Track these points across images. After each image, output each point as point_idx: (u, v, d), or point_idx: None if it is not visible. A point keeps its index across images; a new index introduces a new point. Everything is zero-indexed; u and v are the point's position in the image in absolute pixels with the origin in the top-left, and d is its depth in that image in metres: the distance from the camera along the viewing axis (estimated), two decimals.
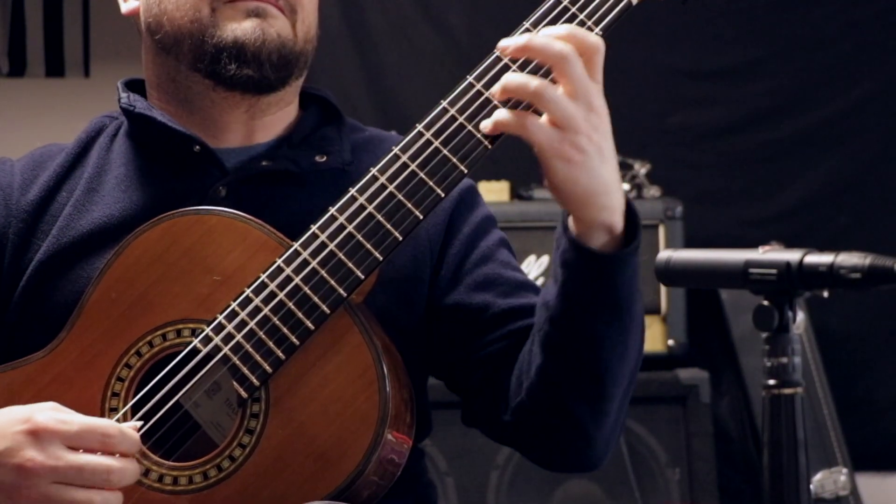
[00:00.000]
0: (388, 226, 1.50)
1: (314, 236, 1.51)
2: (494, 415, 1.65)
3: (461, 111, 1.50)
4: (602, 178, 1.48)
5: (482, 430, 1.70)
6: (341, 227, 1.51)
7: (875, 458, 3.91)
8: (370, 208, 1.51)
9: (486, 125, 1.49)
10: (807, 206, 4.03)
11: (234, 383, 1.50)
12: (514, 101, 1.48)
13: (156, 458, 1.52)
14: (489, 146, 1.50)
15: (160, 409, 1.52)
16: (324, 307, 1.50)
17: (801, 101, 4.04)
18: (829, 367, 3.74)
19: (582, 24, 1.51)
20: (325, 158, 1.72)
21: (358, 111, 3.92)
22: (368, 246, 1.51)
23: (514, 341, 1.64)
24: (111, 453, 1.43)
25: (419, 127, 1.51)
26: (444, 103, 1.51)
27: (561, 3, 1.52)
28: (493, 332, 1.66)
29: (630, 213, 1.53)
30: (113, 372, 1.54)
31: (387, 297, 1.62)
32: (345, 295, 1.50)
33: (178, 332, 1.53)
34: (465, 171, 1.50)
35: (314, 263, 1.51)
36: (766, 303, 1.27)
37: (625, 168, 3.67)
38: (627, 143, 3.87)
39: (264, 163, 1.69)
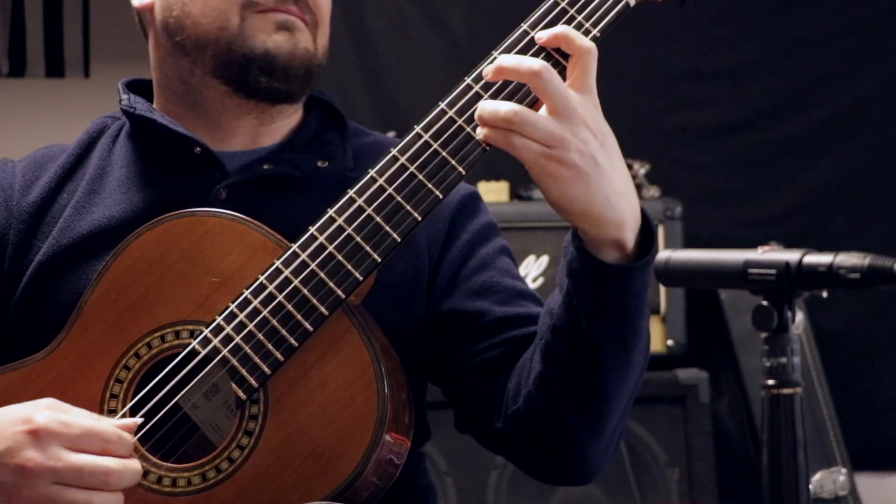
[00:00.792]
0: (387, 227, 1.50)
1: (313, 238, 1.51)
2: (487, 422, 1.64)
3: (459, 113, 1.50)
4: (601, 192, 1.44)
5: (474, 436, 1.70)
6: (340, 229, 1.51)
7: (874, 457, 3.91)
8: (369, 210, 1.51)
9: (479, 133, 1.47)
10: (806, 207, 4.03)
11: (233, 385, 1.50)
12: None
13: (154, 459, 1.52)
14: (487, 148, 1.49)
15: (159, 411, 1.52)
16: (322, 308, 1.50)
17: (800, 101, 4.04)
18: (829, 366, 3.74)
19: (580, 25, 1.50)
20: (326, 163, 1.71)
21: (357, 112, 3.92)
22: (367, 248, 1.50)
23: (508, 349, 1.63)
24: (112, 455, 1.43)
25: (417, 129, 1.51)
26: (443, 105, 1.51)
27: (559, 4, 1.52)
28: (488, 339, 1.65)
29: (645, 224, 1.50)
30: (112, 373, 1.54)
31: (386, 302, 1.62)
32: (343, 296, 1.50)
33: (177, 334, 1.53)
34: (464, 173, 1.50)
35: (313, 265, 1.51)
36: (765, 303, 1.27)
37: None
38: (626, 144, 3.85)
39: (266, 166, 1.69)
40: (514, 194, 3.68)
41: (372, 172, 1.52)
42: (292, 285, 1.50)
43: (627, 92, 3.94)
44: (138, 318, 1.54)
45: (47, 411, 1.43)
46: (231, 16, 1.66)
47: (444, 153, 1.50)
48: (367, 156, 1.71)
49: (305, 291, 1.50)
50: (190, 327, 1.53)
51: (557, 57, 1.49)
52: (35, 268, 1.66)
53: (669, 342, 3.54)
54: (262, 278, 1.51)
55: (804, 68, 4.05)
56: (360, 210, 1.51)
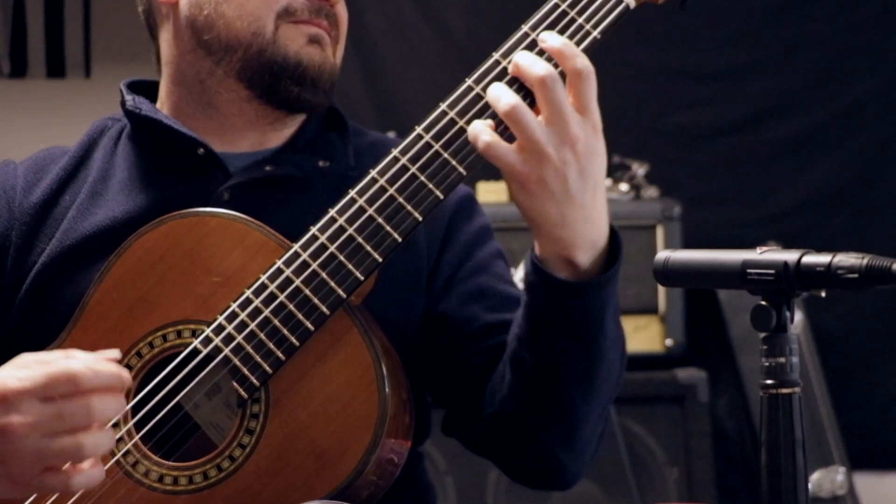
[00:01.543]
0: (388, 227, 1.51)
1: (314, 238, 1.52)
2: (471, 426, 1.65)
3: (460, 114, 1.51)
4: (559, 212, 1.45)
5: (460, 440, 1.70)
6: (341, 229, 1.52)
7: (872, 457, 3.91)
8: (370, 210, 1.51)
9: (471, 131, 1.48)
10: (804, 207, 4.03)
11: (235, 384, 1.51)
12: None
13: (156, 458, 1.52)
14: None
15: (160, 410, 1.52)
16: (323, 308, 1.50)
17: (799, 101, 4.05)
18: (827, 366, 3.75)
19: (580, 27, 1.51)
20: (328, 164, 1.72)
21: (357, 112, 3.92)
22: (368, 247, 1.51)
23: (495, 356, 1.63)
24: (88, 392, 1.37)
25: (418, 129, 1.52)
26: (444, 106, 1.51)
27: (559, 6, 1.52)
28: (476, 344, 1.66)
29: (613, 246, 1.51)
30: None
31: (387, 302, 1.62)
32: (344, 296, 1.50)
33: (179, 333, 1.54)
34: (464, 174, 1.50)
35: (314, 265, 1.51)
36: (763, 303, 1.27)
37: (623, 169, 3.68)
38: (626, 144, 3.88)
39: (267, 167, 1.69)
40: None
41: (373, 173, 1.52)
42: (294, 285, 1.51)
43: (626, 92, 3.94)
44: (140, 317, 1.55)
45: (10, 371, 1.38)
46: (266, 22, 1.67)
47: (445, 154, 1.51)
48: (367, 155, 1.71)
49: (307, 291, 1.51)
50: (192, 326, 1.53)
51: None
52: (38, 268, 1.66)
53: (668, 342, 3.54)
54: (263, 278, 1.52)
55: (803, 69, 4.05)
56: (362, 210, 1.52)
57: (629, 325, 3.38)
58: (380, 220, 1.51)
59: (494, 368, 1.62)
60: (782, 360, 1.25)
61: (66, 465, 1.38)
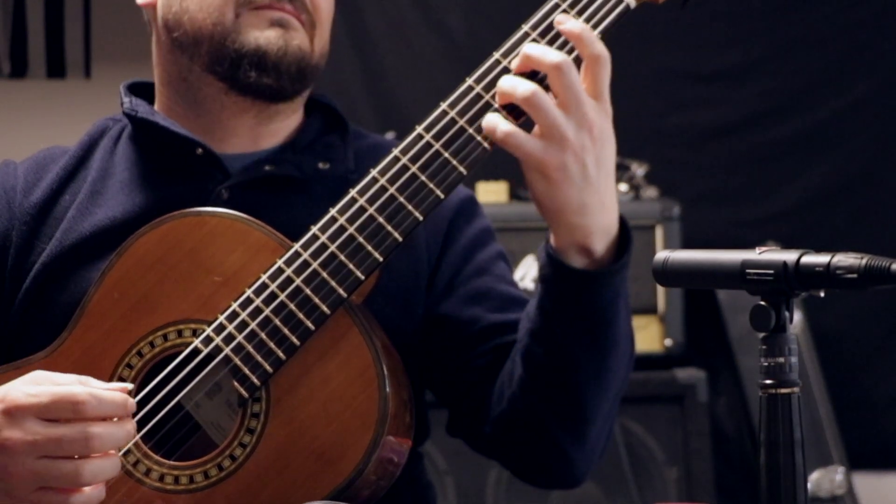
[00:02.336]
0: (389, 227, 1.51)
1: (315, 237, 1.52)
2: (476, 426, 1.65)
3: (461, 114, 1.51)
4: (580, 198, 1.47)
5: (465, 440, 1.71)
6: (342, 229, 1.52)
7: (871, 456, 3.91)
8: (371, 210, 1.52)
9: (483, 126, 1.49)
10: (804, 207, 4.04)
11: (235, 383, 1.51)
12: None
13: (157, 457, 1.53)
14: (489, 148, 1.50)
15: (161, 409, 1.53)
16: (324, 307, 1.51)
17: (798, 102, 4.05)
18: (826, 366, 3.75)
19: None
20: (327, 166, 1.72)
21: (357, 112, 3.92)
22: (369, 247, 1.51)
23: (498, 356, 1.64)
24: (90, 419, 1.39)
25: (419, 129, 1.52)
26: (444, 105, 1.52)
27: (560, 6, 1.53)
28: (479, 345, 1.66)
29: (623, 236, 1.52)
30: (115, 372, 1.54)
31: (387, 301, 1.63)
32: (345, 295, 1.51)
33: (180, 333, 1.54)
34: (465, 173, 1.51)
35: (315, 264, 1.51)
36: (762, 303, 1.27)
37: (622, 169, 3.68)
38: (625, 144, 3.87)
39: (267, 167, 1.70)
40: (514, 194, 3.68)
41: (374, 172, 1.53)
42: (294, 284, 1.51)
43: (625, 92, 3.91)
44: (141, 316, 1.55)
45: (20, 386, 1.40)
46: (226, 11, 1.67)
47: (445, 154, 1.51)
48: (367, 157, 1.71)
49: (307, 291, 1.51)
50: (192, 326, 1.54)
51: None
52: (38, 268, 1.66)
53: (668, 342, 3.54)
54: (264, 277, 1.52)
55: (802, 69, 4.05)
56: (362, 210, 1.52)
57: None
58: (380, 219, 1.51)
59: (499, 368, 1.63)
60: (781, 360, 1.25)
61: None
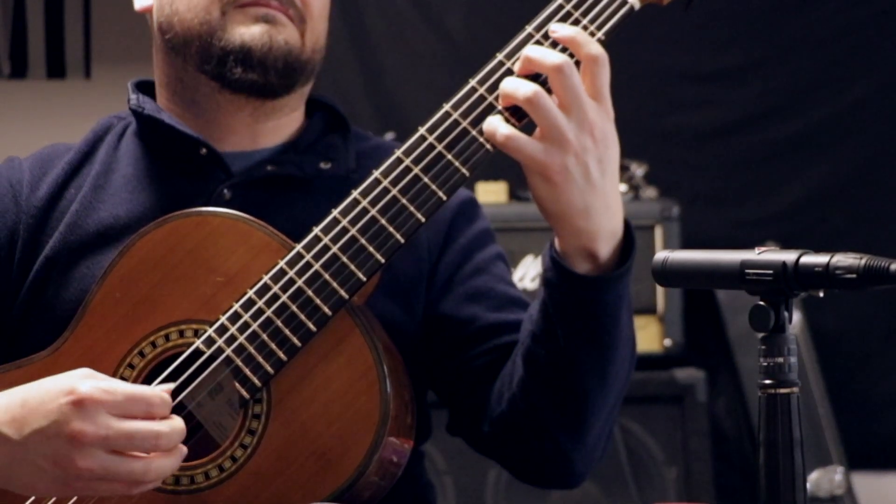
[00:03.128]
0: (391, 228, 1.52)
1: (317, 238, 1.53)
2: (475, 426, 1.65)
3: (464, 115, 1.51)
4: (583, 201, 1.47)
5: (464, 439, 1.71)
6: (344, 230, 1.52)
7: (870, 456, 3.91)
8: (373, 211, 1.52)
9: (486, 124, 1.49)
10: (803, 207, 4.04)
11: (237, 384, 1.51)
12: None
13: None
14: (491, 149, 1.50)
15: None
16: (326, 309, 1.51)
17: (797, 102, 4.05)
18: (825, 366, 3.75)
19: (584, 28, 1.51)
20: (329, 165, 1.73)
21: (356, 112, 3.92)
22: (370, 248, 1.52)
23: (497, 356, 1.64)
24: (159, 417, 1.42)
25: (422, 130, 1.53)
26: (447, 107, 1.52)
27: (564, 7, 1.53)
28: (478, 345, 1.66)
29: (627, 239, 1.52)
30: (116, 371, 1.54)
31: (389, 302, 1.63)
32: (346, 297, 1.51)
33: (181, 333, 1.54)
34: (467, 175, 1.51)
35: (317, 265, 1.52)
36: (762, 303, 1.27)
37: (622, 169, 3.68)
38: (624, 145, 3.86)
39: (269, 167, 1.70)
40: (513, 195, 3.68)
41: (376, 174, 1.53)
42: (296, 285, 1.51)
43: (625, 93, 3.91)
44: (143, 316, 1.55)
45: (89, 380, 1.41)
46: (212, 10, 1.68)
47: (448, 155, 1.51)
48: (369, 158, 1.72)
49: (309, 292, 1.51)
50: (194, 326, 1.54)
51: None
52: (42, 262, 1.67)
53: (667, 342, 3.54)
54: (266, 278, 1.52)
55: (801, 70, 4.05)
56: (364, 211, 1.52)
57: None
58: (382, 221, 1.52)
59: (498, 368, 1.63)
60: (780, 360, 1.26)
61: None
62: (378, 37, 4.07)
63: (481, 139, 1.50)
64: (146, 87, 1.79)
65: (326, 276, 1.51)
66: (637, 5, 1.54)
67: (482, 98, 1.51)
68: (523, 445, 1.62)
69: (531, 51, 1.47)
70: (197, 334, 1.53)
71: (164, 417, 1.43)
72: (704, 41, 4.06)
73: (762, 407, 1.26)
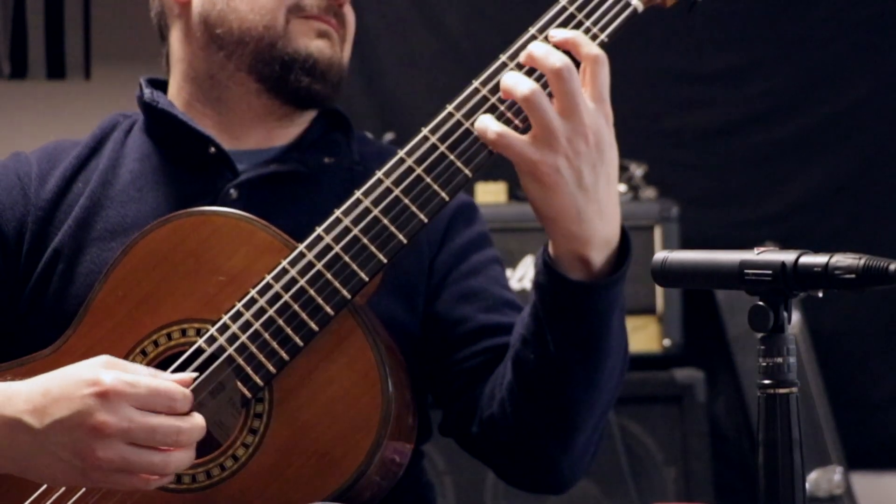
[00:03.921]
0: (393, 228, 1.52)
1: (319, 238, 1.53)
2: (465, 426, 1.66)
3: (467, 116, 1.51)
4: (575, 206, 1.46)
5: (455, 440, 1.71)
6: (346, 230, 1.53)
7: (869, 456, 3.92)
8: (375, 211, 1.52)
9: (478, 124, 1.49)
10: (802, 208, 4.04)
11: (238, 383, 1.52)
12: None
13: None
14: (493, 151, 1.51)
15: None
16: (328, 308, 1.51)
17: (796, 102, 4.05)
18: (824, 366, 3.75)
19: (587, 30, 1.51)
20: (332, 159, 1.74)
21: (356, 113, 3.92)
22: (373, 248, 1.52)
23: (489, 357, 1.64)
24: (181, 413, 1.43)
25: (425, 131, 1.53)
26: (450, 107, 1.52)
27: (567, 9, 1.53)
28: (470, 346, 1.67)
29: (623, 246, 1.51)
30: None
31: (391, 302, 1.64)
32: (349, 297, 1.51)
33: (184, 332, 1.55)
34: (470, 175, 1.51)
35: (319, 265, 1.52)
36: (761, 303, 1.27)
37: (621, 169, 3.68)
38: (624, 145, 3.86)
39: (273, 166, 1.71)
40: (512, 195, 3.68)
41: (379, 174, 1.53)
42: (298, 285, 1.52)
43: (624, 93, 3.90)
44: (146, 315, 1.56)
45: (112, 371, 1.42)
46: (277, 16, 1.70)
47: (451, 156, 1.51)
48: (373, 160, 1.72)
49: (311, 291, 1.51)
50: (196, 325, 1.54)
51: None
52: (50, 254, 1.67)
53: (666, 342, 3.55)
54: (268, 278, 1.53)
55: (800, 70, 4.06)
56: (367, 211, 1.53)
57: (627, 325, 3.38)
58: (385, 221, 1.52)
59: (490, 370, 1.63)
60: (780, 360, 1.26)
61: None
62: (377, 36, 4.07)
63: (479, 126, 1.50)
64: (155, 86, 1.80)
65: (329, 275, 1.52)
66: (640, 8, 1.55)
67: (485, 99, 1.51)
68: (511, 449, 1.62)
69: (535, 47, 1.47)
70: (199, 333, 1.54)
71: (185, 413, 1.43)
72: (705, 41, 4.06)
73: (761, 407, 1.26)
